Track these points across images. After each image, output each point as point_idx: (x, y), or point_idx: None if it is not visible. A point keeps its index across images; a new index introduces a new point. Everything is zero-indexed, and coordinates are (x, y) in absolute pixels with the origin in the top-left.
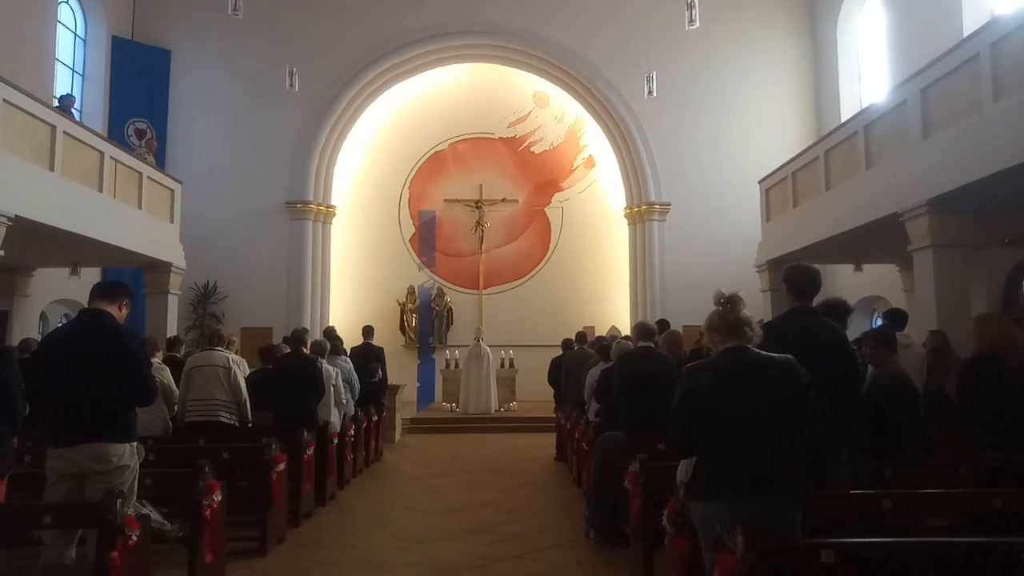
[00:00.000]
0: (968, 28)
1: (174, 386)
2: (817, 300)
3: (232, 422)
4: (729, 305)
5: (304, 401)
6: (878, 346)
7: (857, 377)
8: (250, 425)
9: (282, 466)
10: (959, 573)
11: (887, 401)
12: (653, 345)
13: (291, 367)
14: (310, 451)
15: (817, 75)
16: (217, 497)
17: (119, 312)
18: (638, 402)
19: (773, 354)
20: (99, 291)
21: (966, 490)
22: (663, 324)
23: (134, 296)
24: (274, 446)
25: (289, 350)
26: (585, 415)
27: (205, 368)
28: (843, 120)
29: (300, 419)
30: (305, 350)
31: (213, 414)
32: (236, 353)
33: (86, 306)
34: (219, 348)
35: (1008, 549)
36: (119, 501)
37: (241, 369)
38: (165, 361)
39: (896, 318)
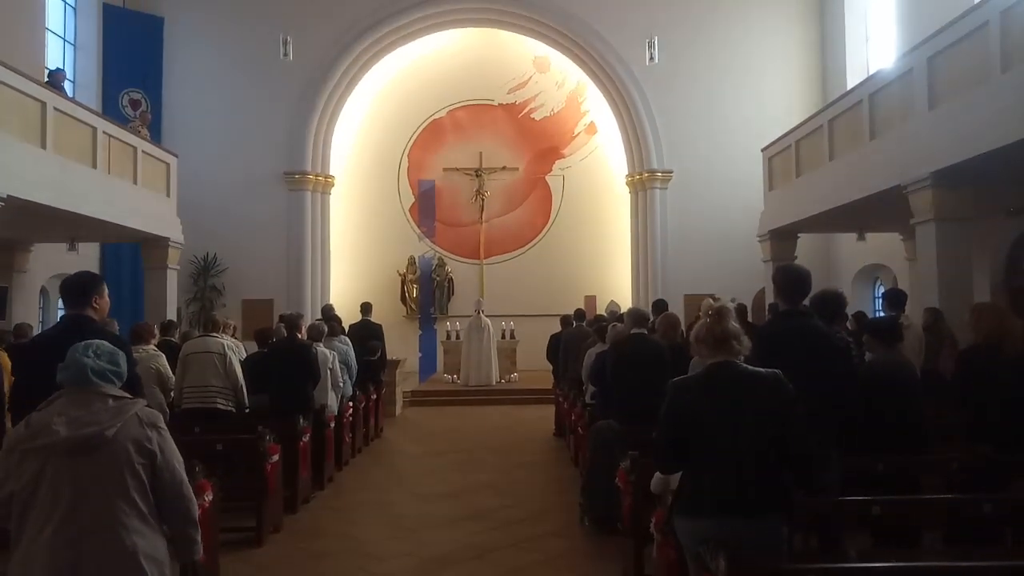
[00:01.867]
0: None
1: (170, 372)
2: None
3: (228, 408)
4: (717, 317)
5: (300, 388)
6: (871, 340)
7: (850, 377)
8: (247, 410)
9: (276, 457)
10: None
11: (878, 393)
12: (646, 332)
13: (286, 354)
14: (306, 438)
15: (823, 38)
16: (208, 497)
17: (95, 308)
18: (630, 390)
19: (760, 369)
20: (67, 295)
21: (956, 496)
22: (660, 305)
23: (101, 281)
24: (268, 437)
25: (286, 334)
26: (582, 396)
27: (201, 355)
28: (850, 85)
29: (296, 406)
30: (300, 335)
31: (210, 401)
32: (233, 336)
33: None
34: (214, 334)
35: (993, 573)
36: None
37: (237, 355)
38: (160, 346)
39: (895, 300)
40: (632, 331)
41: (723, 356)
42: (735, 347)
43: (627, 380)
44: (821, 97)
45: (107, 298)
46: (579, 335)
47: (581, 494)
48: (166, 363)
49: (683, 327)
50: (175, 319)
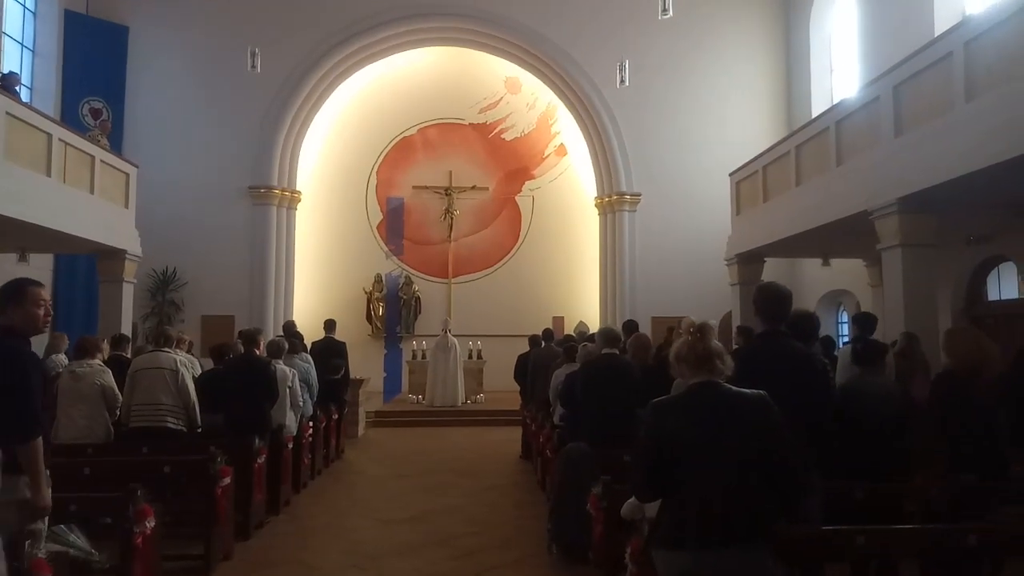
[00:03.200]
0: (940, 24)
1: (117, 390)
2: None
3: (179, 427)
4: (699, 335)
5: (256, 406)
6: (855, 361)
7: (830, 401)
8: (199, 430)
9: (228, 480)
10: None
11: (860, 417)
12: (617, 352)
13: (242, 370)
14: (261, 459)
15: (789, 67)
16: (150, 523)
17: (15, 312)
18: (601, 411)
19: (745, 390)
20: None
21: (940, 526)
22: (631, 326)
23: (17, 290)
24: (219, 459)
25: (243, 350)
26: (550, 418)
27: (151, 371)
28: (814, 113)
29: (251, 425)
30: (258, 351)
31: (159, 419)
32: (188, 352)
33: None
34: (166, 349)
35: None
36: (27, 543)
37: (190, 371)
38: (111, 361)
39: (865, 323)
40: (603, 351)
41: (705, 376)
42: (718, 366)
43: (598, 401)
44: (787, 124)
45: (29, 308)
46: (548, 355)
47: (549, 519)
48: (112, 379)
49: (654, 348)
50: (130, 334)
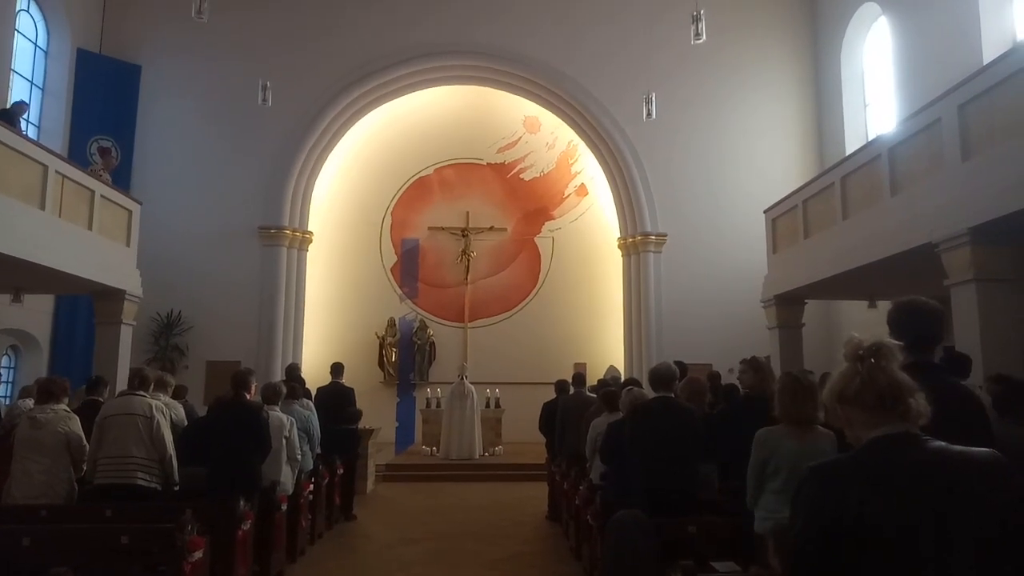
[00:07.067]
0: (988, 53)
1: (85, 440)
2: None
3: (152, 485)
4: (874, 361)
5: (243, 459)
6: (996, 407)
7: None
8: (177, 488)
9: (199, 554)
10: None
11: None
12: (673, 396)
13: (228, 417)
14: (247, 525)
15: (820, 102)
16: None
17: None
18: (657, 468)
19: (969, 448)
20: None
21: None
22: (679, 367)
23: None
24: (190, 527)
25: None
26: (586, 475)
27: (121, 418)
28: (848, 149)
29: (239, 482)
30: (249, 395)
31: (128, 475)
32: (181, 398)
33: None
34: (141, 393)
35: None
36: None
37: (167, 418)
38: (86, 407)
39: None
40: (657, 394)
41: (897, 424)
42: (913, 408)
43: (654, 455)
44: (819, 161)
45: None
46: (579, 402)
47: None
48: (79, 427)
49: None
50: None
